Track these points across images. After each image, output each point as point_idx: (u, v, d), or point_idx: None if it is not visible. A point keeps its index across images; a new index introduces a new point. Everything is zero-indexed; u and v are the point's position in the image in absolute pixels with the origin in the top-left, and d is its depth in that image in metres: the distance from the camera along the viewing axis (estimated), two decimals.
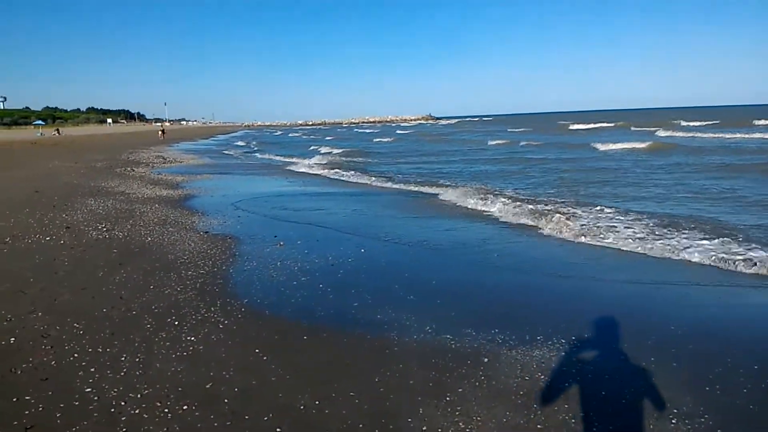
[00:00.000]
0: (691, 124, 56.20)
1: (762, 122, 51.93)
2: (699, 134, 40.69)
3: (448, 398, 4.05)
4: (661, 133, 42.89)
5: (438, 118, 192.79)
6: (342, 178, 20.00)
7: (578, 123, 69.34)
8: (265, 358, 4.73)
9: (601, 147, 31.36)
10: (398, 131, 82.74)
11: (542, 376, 4.37)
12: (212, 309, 5.90)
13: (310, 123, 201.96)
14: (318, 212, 12.08)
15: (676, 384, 4.21)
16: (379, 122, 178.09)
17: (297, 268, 7.44)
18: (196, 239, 9.23)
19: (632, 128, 56.30)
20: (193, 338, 5.13)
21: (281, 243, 8.90)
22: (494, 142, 41.94)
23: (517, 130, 67.24)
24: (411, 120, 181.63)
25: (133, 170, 22.51)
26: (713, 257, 7.55)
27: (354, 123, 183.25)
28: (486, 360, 4.68)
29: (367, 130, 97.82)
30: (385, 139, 56.42)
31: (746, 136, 36.71)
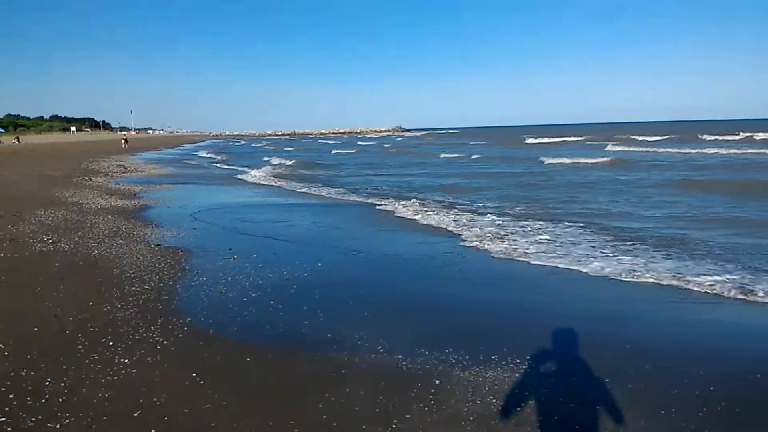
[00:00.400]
0: (648, 138, 57.34)
1: (709, 137, 52.78)
2: (649, 149, 41.69)
3: (394, 426, 3.80)
4: (612, 147, 43.85)
5: (408, 130, 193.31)
6: (299, 190, 19.65)
7: (540, 137, 70.03)
8: (202, 382, 4.41)
9: (547, 160, 31.73)
10: (360, 143, 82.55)
11: (494, 400, 4.15)
12: (152, 328, 5.55)
13: (280, 133, 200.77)
14: (277, 224, 11.76)
15: (631, 406, 4.04)
16: (349, 133, 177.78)
17: (248, 284, 7.13)
18: (145, 252, 8.84)
19: (588, 142, 57.56)
20: (126, 361, 4.79)
21: (235, 256, 8.57)
22: (446, 155, 41.94)
23: (475, 142, 68.12)
24: (381, 131, 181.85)
25: (91, 180, 21.85)
26: (667, 275, 7.46)
27: (324, 134, 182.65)
28: (437, 382, 4.45)
29: (332, 141, 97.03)
30: (344, 151, 55.87)
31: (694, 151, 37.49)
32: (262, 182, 22.68)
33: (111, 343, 5.16)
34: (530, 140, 66.40)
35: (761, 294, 6.55)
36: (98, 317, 5.86)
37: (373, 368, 4.70)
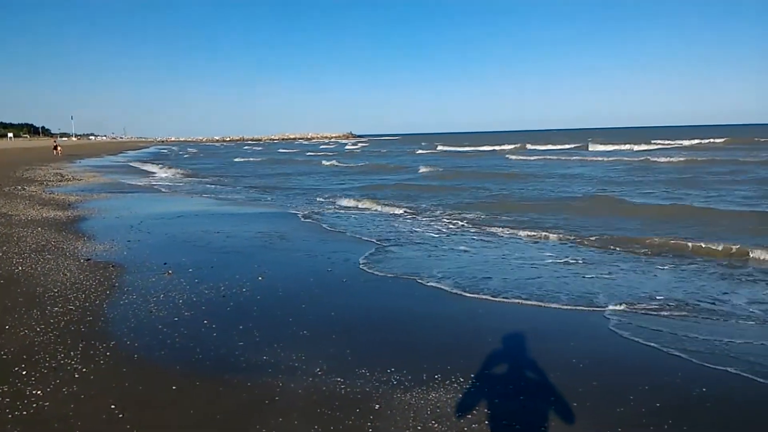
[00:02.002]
0: (537, 147, 57.64)
1: (627, 147, 52.49)
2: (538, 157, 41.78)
3: None
4: (512, 156, 44.23)
5: (359, 136, 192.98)
6: (236, 197, 19.18)
7: (459, 145, 70.29)
8: (121, 415, 4.05)
9: (422, 169, 30.91)
10: (281, 149, 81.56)
11: (436, 425, 3.95)
12: (71, 354, 5.14)
13: (228, 139, 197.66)
14: (217, 235, 11.29)
15: (580, 424, 3.90)
16: (299, 139, 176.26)
17: (182, 301, 6.75)
18: (74, 268, 8.33)
19: (529, 146, 58.84)
20: (39, 392, 4.39)
21: (170, 271, 8.15)
22: (329, 163, 41.11)
23: (387, 150, 68.31)
24: (332, 137, 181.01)
25: (24, 189, 20.80)
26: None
27: (273, 140, 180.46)
28: (377, 407, 4.22)
29: (258, 149, 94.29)
30: (252, 159, 53.54)
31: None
32: (205, 192, 21.98)
33: (24, 372, 4.73)
34: (441, 147, 67.19)
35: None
36: (13, 342, 5.41)
37: (310, 394, 4.44)
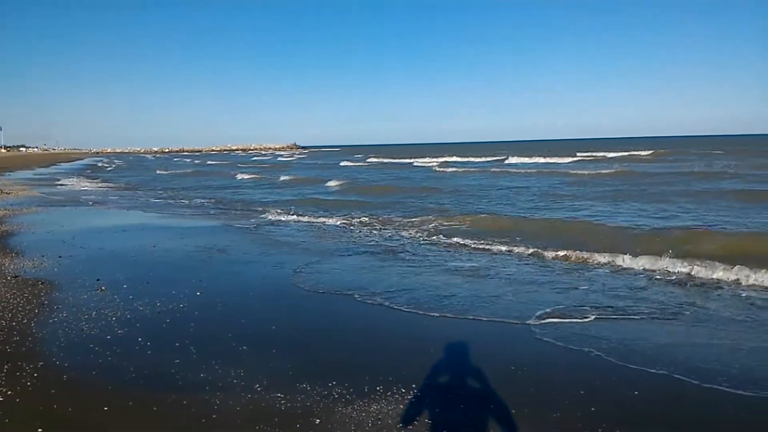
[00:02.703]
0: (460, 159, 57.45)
1: (581, 155, 53.74)
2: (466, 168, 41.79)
3: None
4: (442, 169, 43.28)
5: (303, 147, 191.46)
6: (177, 211, 18.75)
7: (379, 156, 70.21)
8: None
9: (331, 184, 29.67)
10: (210, 161, 79.48)
11: None
12: None
13: (167, 150, 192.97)
14: (154, 250, 10.97)
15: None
16: (242, 150, 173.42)
17: (115, 319, 6.52)
18: (0, 286, 7.93)
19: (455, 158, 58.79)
20: None
21: (103, 287, 7.86)
22: (242, 176, 39.62)
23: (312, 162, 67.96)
24: (275, 148, 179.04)
25: None
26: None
27: (214, 151, 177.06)
28: (317, 422, 4.17)
29: (187, 160, 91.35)
30: (164, 172, 50.92)
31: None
32: (145, 205, 21.36)
33: None
34: (372, 159, 66.04)
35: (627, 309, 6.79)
36: None
37: (248, 410, 4.35)
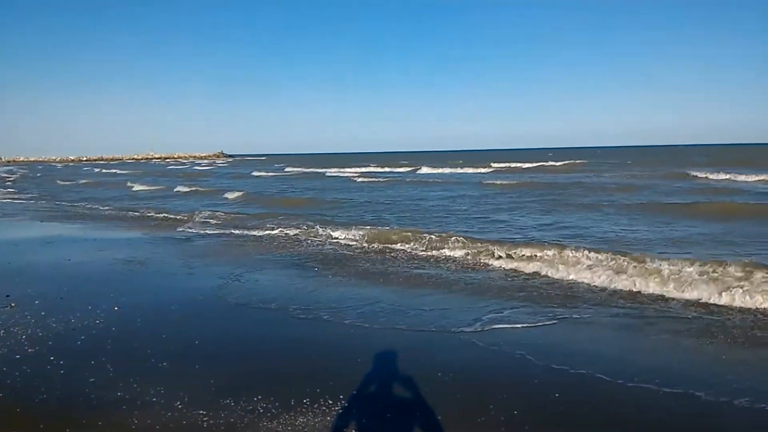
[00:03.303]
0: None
1: (496, 165, 53.77)
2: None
3: None
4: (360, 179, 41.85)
5: (230, 156, 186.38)
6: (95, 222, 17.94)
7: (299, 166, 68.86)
8: None
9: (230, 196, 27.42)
10: (117, 170, 74.62)
11: None
12: None
13: (85, 159, 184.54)
14: (69, 263, 10.43)
15: None
16: (157, 159, 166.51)
17: (25, 337, 6.15)
18: None
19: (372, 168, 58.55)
20: None
21: (12, 304, 7.41)
22: (140, 187, 36.42)
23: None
24: (201, 156, 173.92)
25: None
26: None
27: (135, 159, 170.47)
28: None
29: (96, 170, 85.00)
30: (64, 183, 46.86)
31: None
32: (62, 217, 20.29)
33: None
34: (290, 169, 63.67)
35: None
36: None
37: (169, 428, 4.20)
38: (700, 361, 5.56)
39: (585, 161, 57.48)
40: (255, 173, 55.42)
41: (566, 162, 56.30)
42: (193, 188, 32.80)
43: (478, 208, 19.05)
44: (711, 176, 30.11)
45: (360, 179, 39.54)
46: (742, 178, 28.23)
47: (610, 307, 7.31)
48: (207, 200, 25.73)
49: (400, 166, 59.72)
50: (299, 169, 60.35)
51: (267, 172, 57.04)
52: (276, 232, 14.30)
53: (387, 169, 56.27)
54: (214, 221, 16.51)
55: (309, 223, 14.90)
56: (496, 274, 9.30)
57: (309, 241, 12.93)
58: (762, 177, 27.41)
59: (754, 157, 51.33)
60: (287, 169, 62.26)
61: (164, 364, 5.48)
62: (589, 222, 14.92)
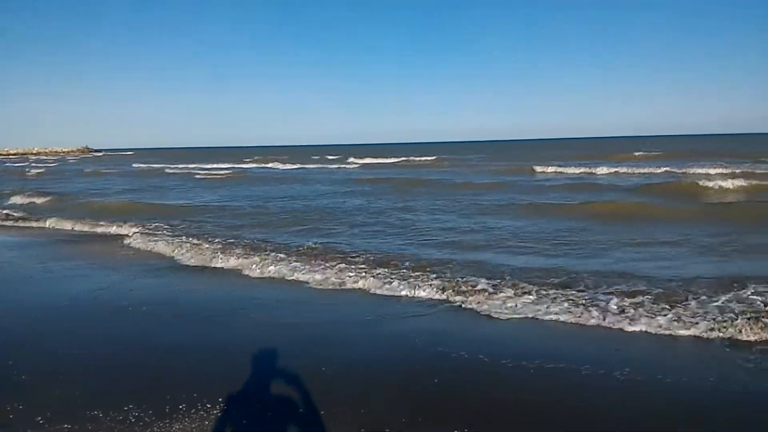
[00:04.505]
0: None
1: (393, 159, 52.64)
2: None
3: None
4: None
5: (97, 151, 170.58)
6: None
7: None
8: None
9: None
10: None
11: None
12: None
13: None
14: None
15: None
16: (21, 154, 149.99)
17: None
18: None
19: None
20: None
21: None
22: None
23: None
24: (63, 152, 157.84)
25: None
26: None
27: None
28: None
29: None
30: None
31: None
32: None
33: None
34: (137, 165, 58.30)
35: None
36: None
37: None
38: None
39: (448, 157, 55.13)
40: (88, 170, 49.76)
41: (434, 157, 54.29)
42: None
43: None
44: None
45: (200, 175, 38.40)
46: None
47: None
48: None
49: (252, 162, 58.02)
50: (155, 165, 55.10)
51: (111, 168, 52.00)
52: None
53: (237, 166, 52.17)
54: None
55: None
56: None
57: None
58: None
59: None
60: (135, 165, 57.97)
61: (23, 377, 5.05)
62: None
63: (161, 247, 11.21)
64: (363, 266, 8.94)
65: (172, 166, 51.45)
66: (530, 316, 6.54)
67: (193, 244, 11.20)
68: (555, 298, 6.98)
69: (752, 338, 5.60)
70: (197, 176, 36.99)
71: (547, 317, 6.47)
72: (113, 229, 13.99)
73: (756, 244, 10.03)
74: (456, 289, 7.54)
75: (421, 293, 7.52)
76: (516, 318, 6.52)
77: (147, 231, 13.04)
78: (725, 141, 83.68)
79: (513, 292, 7.29)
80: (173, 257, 10.40)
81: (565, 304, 6.73)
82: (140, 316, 6.90)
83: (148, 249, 11.27)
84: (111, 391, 4.78)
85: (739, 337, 5.65)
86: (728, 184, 18.97)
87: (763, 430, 4.14)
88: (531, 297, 7.06)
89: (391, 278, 8.14)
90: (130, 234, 12.89)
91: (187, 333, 6.38)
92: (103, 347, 5.92)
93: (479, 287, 7.51)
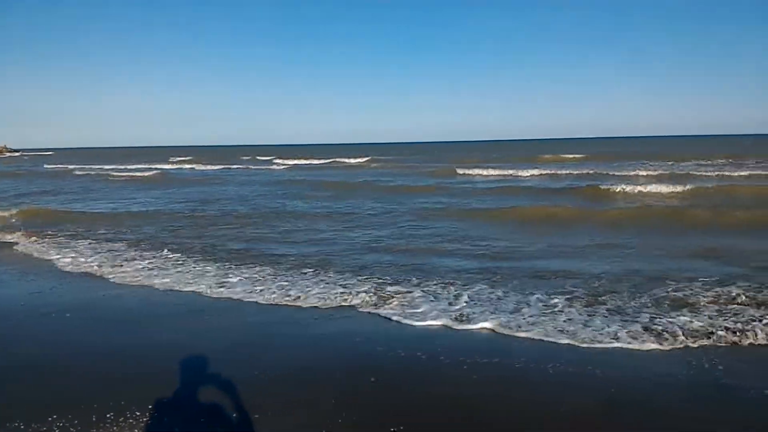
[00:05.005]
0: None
1: (357, 160, 52.11)
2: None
3: None
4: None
5: (15, 150, 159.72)
6: None
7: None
8: None
9: None
10: None
11: None
12: None
13: None
14: None
15: None
16: None
17: None
18: None
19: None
20: None
21: None
22: None
23: None
24: None
25: None
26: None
27: None
28: None
29: None
30: None
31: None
32: None
33: None
34: (49, 166, 56.03)
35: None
36: None
37: None
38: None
39: (383, 158, 55.44)
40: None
41: (368, 158, 54.40)
42: None
43: None
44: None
45: (114, 175, 37.57)
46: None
47: None
48: None
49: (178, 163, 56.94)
50: (62, 166, 52.96)
51: (18, 169, 49.90)
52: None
53: (165, 166, 51.50)
54: None
55: None
56: None
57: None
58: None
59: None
60: (46, 166, 55.28)
61: None
62: None
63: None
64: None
65: (87, 167, 49.18)
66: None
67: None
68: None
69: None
70: (110, 178, 35.90)
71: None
72: None
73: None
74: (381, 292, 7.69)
75: (355, 300, 7.54)
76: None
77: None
78: (650, 144, 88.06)
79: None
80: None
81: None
82: (62, 321, 6.62)
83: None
84: (31, 402, 4.58)
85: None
86: (631, 188, 19.71)
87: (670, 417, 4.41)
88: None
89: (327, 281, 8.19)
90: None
91: (113, 338, 6.17)
92: (24, 355, 5.65)
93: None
